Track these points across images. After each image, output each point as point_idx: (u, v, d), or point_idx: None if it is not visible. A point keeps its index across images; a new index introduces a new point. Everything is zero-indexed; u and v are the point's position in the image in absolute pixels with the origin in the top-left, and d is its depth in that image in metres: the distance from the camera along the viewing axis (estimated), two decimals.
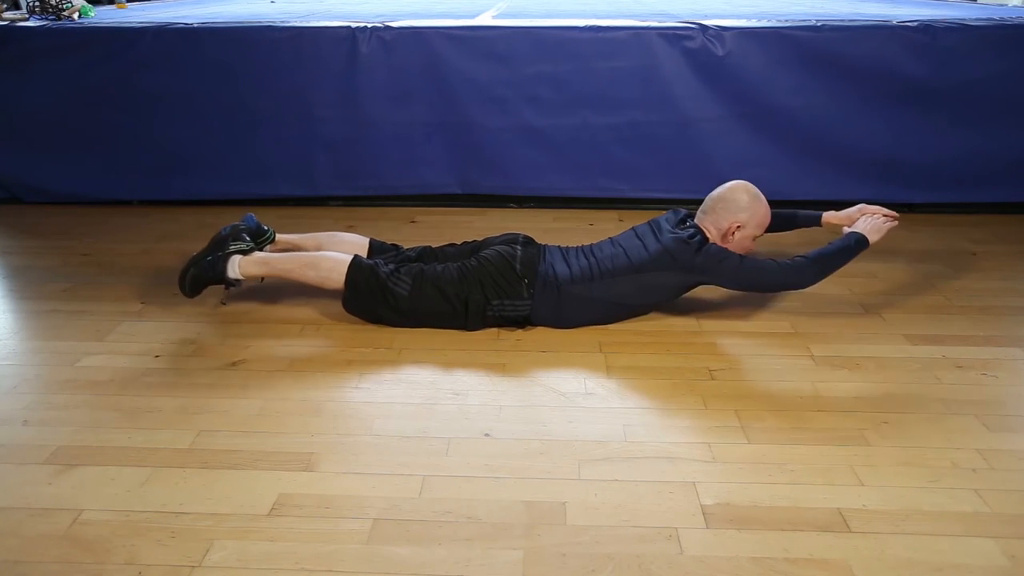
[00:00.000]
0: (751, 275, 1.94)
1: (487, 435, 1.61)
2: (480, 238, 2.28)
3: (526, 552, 1.28)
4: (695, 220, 2.11)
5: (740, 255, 1.97)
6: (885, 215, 2.09)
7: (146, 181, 3.16)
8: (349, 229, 2.93)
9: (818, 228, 2.27)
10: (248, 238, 2.14)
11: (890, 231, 2.07)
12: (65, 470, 1.49)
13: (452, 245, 2.29)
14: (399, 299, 2.02)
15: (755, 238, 2.10)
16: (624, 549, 1.29)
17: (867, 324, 2.12)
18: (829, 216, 2.20)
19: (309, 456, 1.54)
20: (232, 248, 2.09)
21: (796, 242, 2.62)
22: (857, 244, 1.99)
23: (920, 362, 1.92)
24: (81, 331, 2.09)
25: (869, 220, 2.05)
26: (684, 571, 1.24)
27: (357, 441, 1.59)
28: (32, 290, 2.37)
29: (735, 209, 2.03)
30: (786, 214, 2.24)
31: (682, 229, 2.04)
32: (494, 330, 2.07)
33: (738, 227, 2.04)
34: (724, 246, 2.04)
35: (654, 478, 1.47)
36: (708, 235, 2.05)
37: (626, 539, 1.31)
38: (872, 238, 2.00)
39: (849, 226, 2.11)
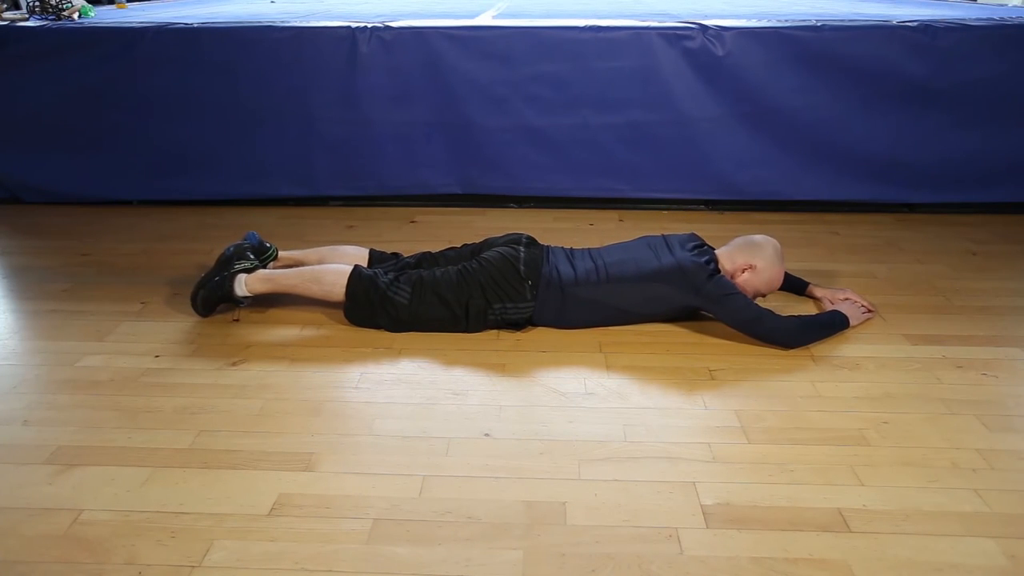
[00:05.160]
0: (749, 319, 1.97)
1: (487, 435, 1.61)
2: (480, 239, 2.28)
3: (526, 552, 1.28)
4: (715, 250, 2.15)
5: (746, 297, 2.00)
6: (865, 306, 2.16)
7: (146, 181, 3.16)
8: (349, 229, 2.93)
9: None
10: (252, 256, 2.18)
11: (867, 322, 2.15)
12: (65, 470, 1.49)
13: (452, 248, 2.29)
14: (399, 308, 2.02)
15: (758, 294, 2.13)
16: (624, 549, 1.29)
17: (867, 324, 2.12)
18: (814, 289, 2.27)
19: (309, 456, 1.54)
20: (237, 267, 2.13)
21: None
22: (841, 323, 2.06)
23: (920, 362, 1.92)
24: (81, 331, 2.09)
25: (851, 306, 2.14)
26: (684, 571, 1.24)
27: (357, 441, 1.59)
28: (32, 290, 2.37)
29: (757, 253, 2.09)
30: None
31: (698, 254, 2.07)
32: (494, 330, 2.07)
33: (750, 268, 2.08)
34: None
35: (654, 478, 1.47)
36: (721, 267, 2.09)
37: (626, 539, 1.31)
38: (852, 323, 2.09)
39: (831, 303, 2.19)
